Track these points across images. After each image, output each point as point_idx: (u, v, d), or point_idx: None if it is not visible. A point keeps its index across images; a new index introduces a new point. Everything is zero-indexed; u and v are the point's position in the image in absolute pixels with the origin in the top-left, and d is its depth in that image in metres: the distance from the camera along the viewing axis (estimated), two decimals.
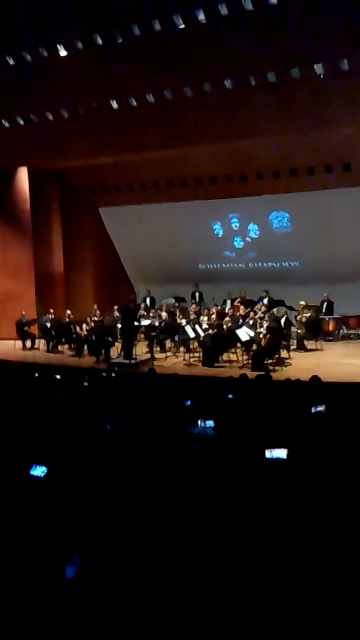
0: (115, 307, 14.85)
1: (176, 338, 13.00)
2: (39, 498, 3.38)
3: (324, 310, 14.09)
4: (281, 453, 3.86)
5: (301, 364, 11.25)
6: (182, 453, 4.13)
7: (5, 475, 3.77)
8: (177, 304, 15.90)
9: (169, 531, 2.90)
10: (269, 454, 3.85)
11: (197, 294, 16.15)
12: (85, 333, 13.25)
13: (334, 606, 2.32)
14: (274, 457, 3.85)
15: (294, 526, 2.92)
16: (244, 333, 11.47)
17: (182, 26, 12.35)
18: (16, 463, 3.93)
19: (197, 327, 12.20)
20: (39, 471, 3.70)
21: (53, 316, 14.32)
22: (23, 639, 2.26)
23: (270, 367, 10.88)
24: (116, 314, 14.49)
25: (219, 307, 14.29)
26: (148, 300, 16.11)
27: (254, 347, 11.51)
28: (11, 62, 14.25)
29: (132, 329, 12.23)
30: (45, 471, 3.67)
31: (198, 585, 2.47)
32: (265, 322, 11.88)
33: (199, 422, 5.00)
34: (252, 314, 12.90)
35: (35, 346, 14.57)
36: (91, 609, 2.35)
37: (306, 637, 2.19)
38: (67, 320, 13.90)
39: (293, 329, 13.09)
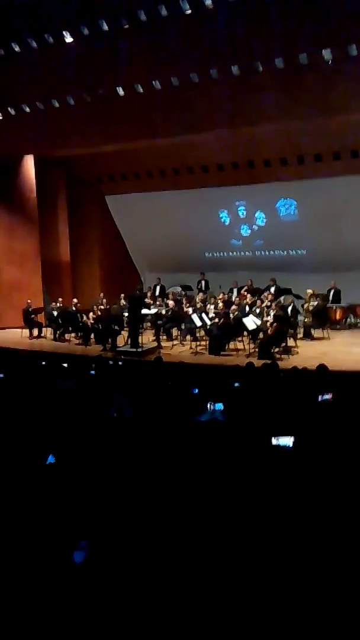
0: (122, 295, 14.86)
1: (183, 326, 13.01)
2: (47, 484, 3.41)
3: (331, 299, 14.05)
4: (288, 441, 3.87)
5: (308, 353, 11.24)
6: (190, 438, 4.14)
7: (15, 462, 3.80)
8: (183, 292, 15.88)
9: (175, 518, 2.92)
10: (275, 441, 3.87)
11: (203, 283, 16.12)
12: (92, 321, 13.28)
13: (337, 594, 2.34)
14: (281, 445, 3.87)
15: (299, 514, 2.93)
16: (251, 321, 11.47)
17: (189, 11, 12.22)
18: (24, 450, 3.96)
19: (203, 315, 12.21)
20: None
21: (60, 304, 14.35)
22: (32, 623, 2.29)
23: (277, 356, 10.87)
24: (123, 302, 14.50)
25: (226, 296, 14.27)
26: (158, 288, 16.07)
27: (261, 335, 11.51)
28: (17, 49, 14.16)
29: (138, 318, 12.24)
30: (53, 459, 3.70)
31: (204, 571, 2.49)
32: (272, 310, 11.86)
33: (209, 405, 5.02)
34: (259, 302, 12.88)
35: (42, 335, 14.62)
36: (99, 594, 2.37)
37: (309, 629, 2.21)
38: (73, 308, 13.93)
39: (300, 318, 13.07)
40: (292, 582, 2.39)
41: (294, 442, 3.89)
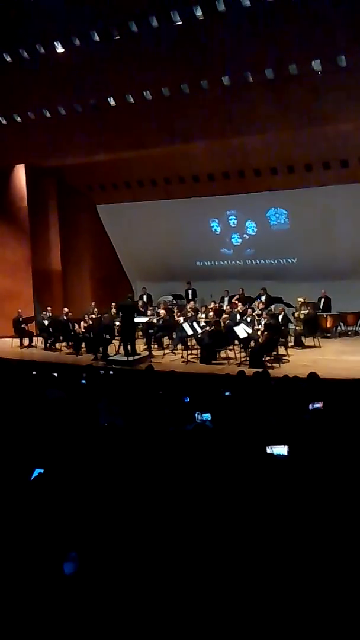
0: (113, 304, 14.84)
1: (174, 335, 13.00)
2: (37, 495, 3.38)
3: (321, 307, 14.09)
4: (282, 450, 3.86)
5: (299, 361, 11.26)
6: (180, 447, 4.13)
7: (4, 472, 3.77)
8: (175, 301, 15.89)
9: (166, 527, 2.91)
10: (269, 450, 3.86)
11: (190, 292, 16.13)
12: (83, 330, 13.25)
13: (334, 599, 2.33)
14: (275, 453, 3.85)
15: (291, 522, 2.92)
16: (242, 330, 11.48)
17: (180, 23, 12.32)
18: (15, 461, 3.93)
19: (194, 324, 12.21)
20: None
21: (50, 314, 14.30)
22: (23, 634, 2.26)
23: (268, 364, 10.88)
24: (113, 311, 14.49)
25: (217, 304, 14.29)
26: (145, 297, 16.10)
27: (252, 344, 11.52)
28: (8, 59, 14.20)
29: (133, 326, 12.26)
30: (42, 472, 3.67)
31: (196, 580, 2.47)
32: (263, 319, 11.88)
33: (197, 415, 5.02)
34: (249, 311, 12.90)
35: (33, 344, 14.56)
36: (89, 605, 2.35)
37: (306, 634, 2.20)
38: (64, 317, 13.89)
39: (291, 326, 13.09)
40: (286, 593, 2.38)
41: (288, 451, 3.87)
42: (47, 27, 13.43)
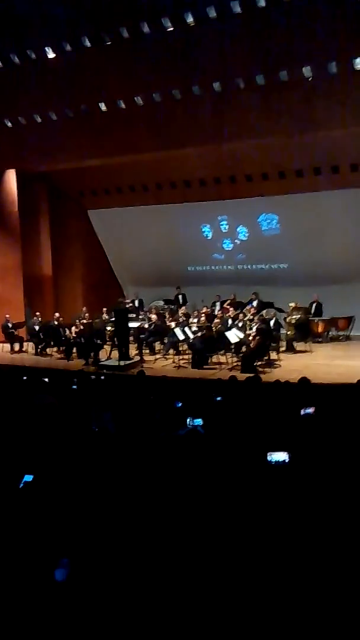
0: (104, 309, 14.81)
1: (165, 340, 12.99)
2: (28, 502, 3.35)
3: (313, 312, 14.12)
4: (282, 456, 3.84)
5: (290, 366, 11.28)
6: (171, 452, 4.11)
7: None
8: (166, 306, 15.89)
9: (158, 533, 2.89)
10: (269, 457, 3.84)
11: (179, 297, 16.14)
12: (74, 336, 13.20)
13: (334, 604, 2.32)
14: (274, 460, 3.83)
15: (286, 527, 2.91)
16: (234, 335, 11.49)
17: (171, 29, 12.36)
18: (5, 468, 3.90)
19: (186, 329, 12.20)
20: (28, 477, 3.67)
21: (40, 319, 14.24)
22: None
23: (260, 369, 10.88)
24: (105, 316, 14.45)
25: (209, 309, 14.30)
26: (137, 302, 16.09)
27: (244, 349, 11.52)
28: (0, 64, 14.19)
29: (127, 330, 12.25)
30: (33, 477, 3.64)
31: (189, 588, 2.45)
32: (254, 324, 11.90)
33: (188, 420, 5.01)
34: (241, 315, 12.92)
35: (24, 349, 14.49)
36: (81, 612, 2.33)
37: (307, 637, 2.18)
38: (55, 322, 13.84)
39: (282, 331, 13.12)
40: (286, 591, 2.37)
41: (287, 458, 3.85)
42: (38, 33, 13.44)
